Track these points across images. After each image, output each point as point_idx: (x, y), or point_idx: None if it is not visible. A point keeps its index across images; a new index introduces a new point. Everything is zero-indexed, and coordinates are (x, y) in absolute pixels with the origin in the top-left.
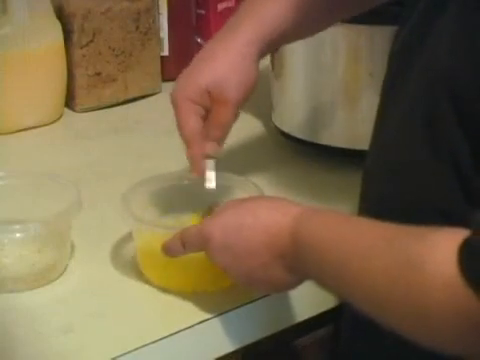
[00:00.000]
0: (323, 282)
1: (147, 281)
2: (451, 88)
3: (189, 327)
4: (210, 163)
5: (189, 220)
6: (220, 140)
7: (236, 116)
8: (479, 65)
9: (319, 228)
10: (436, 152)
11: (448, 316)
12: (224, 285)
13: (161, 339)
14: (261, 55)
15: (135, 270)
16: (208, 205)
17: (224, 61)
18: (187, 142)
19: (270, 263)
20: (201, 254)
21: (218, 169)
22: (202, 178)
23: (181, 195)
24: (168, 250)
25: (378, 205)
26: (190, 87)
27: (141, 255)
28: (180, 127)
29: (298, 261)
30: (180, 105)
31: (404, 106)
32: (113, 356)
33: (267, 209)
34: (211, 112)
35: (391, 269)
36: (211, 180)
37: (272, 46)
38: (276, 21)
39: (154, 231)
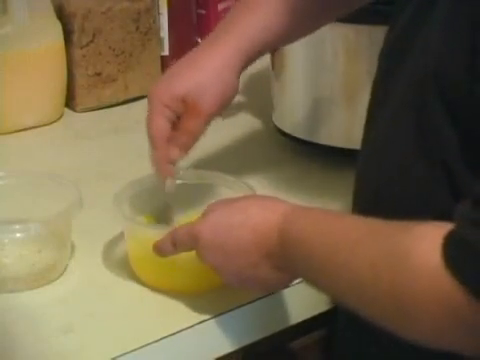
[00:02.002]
0: (310, 278)
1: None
2: (440, 84)
3: (189, 327)
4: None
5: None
6: (185, 147)
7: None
8: (466, 60)
9: (307, 224)
10: (427, 152)
11: (432, 307)
12: (215, 286)
13: (161, 339)
14: (244, 66)
15: (135, 270)
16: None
17: (205, 70)
18: (153, 143)
19: (258, 262)
20: (192, 254)
21: (218, 169)
22: (198, 178)
23: (174, 194)
24: (159, 250)
25: (371, 205)
26: (167, 92)
27: (132, 255)
28: (148, 128)
29: (286, 259)
30: (153, 107)
31: (394, 106)
32: (113, 356)
33: (258, 208)
34: (182, 119)
35: (376, 261)
36: (172, 186)
37: (256, 56)
38: (261, 32)
39: (145, 231)
